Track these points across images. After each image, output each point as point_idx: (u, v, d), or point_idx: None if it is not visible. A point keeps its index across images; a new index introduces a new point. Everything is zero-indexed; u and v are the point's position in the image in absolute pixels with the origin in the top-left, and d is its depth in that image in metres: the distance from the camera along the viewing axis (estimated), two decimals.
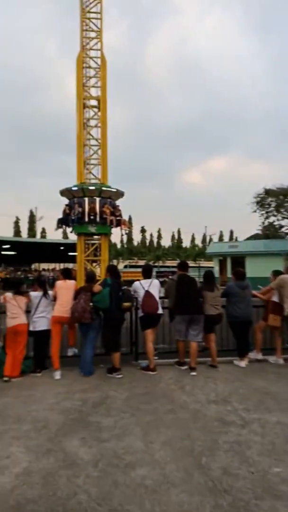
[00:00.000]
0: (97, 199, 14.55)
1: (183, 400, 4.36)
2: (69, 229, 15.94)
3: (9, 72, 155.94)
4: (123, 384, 4.98)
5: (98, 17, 15.66)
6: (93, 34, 15.79)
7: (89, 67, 15.98)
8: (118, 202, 15.74)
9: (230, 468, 2.88)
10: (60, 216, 15.40)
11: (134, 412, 3.99)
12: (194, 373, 5.33)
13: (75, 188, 14.71)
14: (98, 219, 14.47)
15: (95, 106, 15.91)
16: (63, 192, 15.15)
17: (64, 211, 15.18)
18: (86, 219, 14.43)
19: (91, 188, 14.72)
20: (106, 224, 14.70)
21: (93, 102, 15.96)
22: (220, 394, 4.56)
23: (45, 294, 5.64)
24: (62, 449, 3.21)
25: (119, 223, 15.37)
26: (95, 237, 16.04)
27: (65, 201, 15.44)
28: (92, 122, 16.17)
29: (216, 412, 3.99)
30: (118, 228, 15.63)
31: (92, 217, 14.42)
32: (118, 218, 15.27)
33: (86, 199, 14.49)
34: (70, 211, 14.78)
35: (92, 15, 15.72)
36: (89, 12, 15.65)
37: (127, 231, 16.48)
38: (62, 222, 15.41)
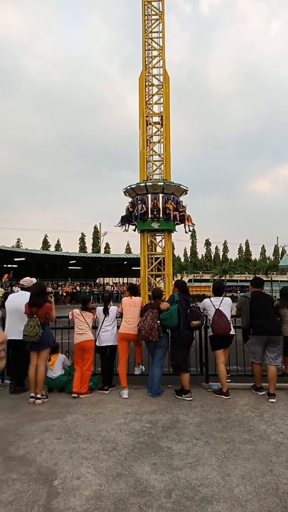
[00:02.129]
0: (160, 195, 14.44)
1: (262, 429, 3.97)
2: (131, 228, 15.98)
3: (76, 93, 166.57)
4: (194, 407, 4.71)
5: (159, 36, 15.99)
6: (155, 53, 16.13)
7: (152, 84, 16.30)
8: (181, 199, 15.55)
9: None
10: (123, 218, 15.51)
11: (208, 440, 3.71)
12: (273, 400, 4.88)
13: (138, 185, 14.83)
14: (161, 215, 14.38)
15: (157, 123, 16.11)
16: (127, 191, 15.33)
17: (127, 208, 15.29)
18: (149, 215, 14.40)
19: (154, 184, 14.76)
20: (169, 220, 14.54)
21: (156, 119, 16.18)
22: None
23: (105, 311, 5.62)
24: (133, 474, 3.06)
25: (183, 219, 15.11)
26: (159, 250, 15.99)
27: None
28: (155, 138, 16.36)
29: None
30: (183, 234, 15.53)
31: (155, 213, 14.37)
32: (182, 213, 15.03)
33: (149, 195, 14.48)
34: (133, 208, 14.89)
35: (154, 35, 16.10)
36: (151, 32, 16.06)
37: (192, 228, 15.93)
38: (125, 220, 15.54)
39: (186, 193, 15.56)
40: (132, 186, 14.91)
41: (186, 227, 15.50)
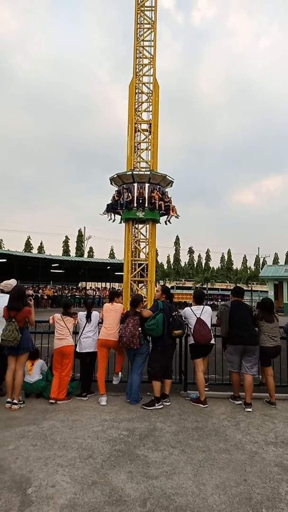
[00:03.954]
0: (146, 185, 14.60)
1: (237, 439, 4.02)
2: (117, 219, 15.97)
3: (66, 95, 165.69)
4: (172, 416, 4.73)
5: (151, 45, 16.14)
6: (146, 61, 16.26)
7: (142, 92, 16.40)
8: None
9: None
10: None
11: (184, 448, 3.73)
12: (249, 410, 4.94)
13: (125, 174, 14.91)
14: (146, 204, 14.49)
15: (146, 130, 16.22)
16: (113, 179, 15.37)
17: (113, 197, 15.32)
18: (135, 204, 14.49)
19: (140, 173, 14.89)
20: (154, 210, 14.66)
21: (144, 126, 16.29)
22: (280, 435, 4.16)
23: (88, 317, 5.58)
24: (108, 482, 3.05)
25: (168, 209, 15.24)
26: (143, 257, 15.99)
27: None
28: (143, 145, 16.46)
29: (276, 456, 3.62)
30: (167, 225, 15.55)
31: (140, 202, 14.47)
32: (167, 204, 15.17)
33: (136, 184, 14.61)
34: (119, 197, 14.98)
35: (145, 43, 16.25)
36: (143, 40, 16.22)
37: (177, 218, 15.97)
38: (110, 208, 15.55)
39: (171, 185, 15.77)
40: (119, 174, 15.01)
41: (171, 217, 15.65)
